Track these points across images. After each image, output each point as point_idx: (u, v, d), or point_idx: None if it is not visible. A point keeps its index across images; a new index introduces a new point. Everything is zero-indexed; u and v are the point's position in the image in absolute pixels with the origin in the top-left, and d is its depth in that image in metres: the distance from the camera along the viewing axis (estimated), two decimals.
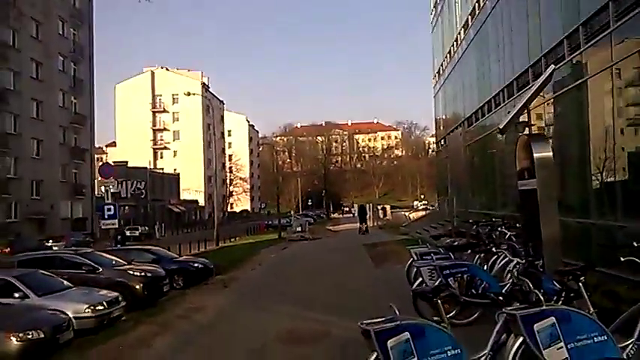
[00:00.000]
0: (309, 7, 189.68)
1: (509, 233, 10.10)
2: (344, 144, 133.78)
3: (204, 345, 8.16)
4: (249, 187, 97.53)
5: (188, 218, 73.00)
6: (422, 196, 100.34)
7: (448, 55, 29.97)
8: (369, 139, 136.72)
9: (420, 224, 36.01)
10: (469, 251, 9.18)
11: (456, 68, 28.03)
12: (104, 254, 14.13)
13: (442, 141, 34.57)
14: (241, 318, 10.08)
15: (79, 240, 33.98)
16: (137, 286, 12.03)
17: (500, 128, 7.76)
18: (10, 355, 7.49)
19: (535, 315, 3.95)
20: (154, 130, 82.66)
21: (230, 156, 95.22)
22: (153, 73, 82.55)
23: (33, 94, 39.69)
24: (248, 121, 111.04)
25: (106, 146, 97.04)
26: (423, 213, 55.00)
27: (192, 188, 75.33)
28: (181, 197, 73.78)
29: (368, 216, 39.62)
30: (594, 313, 4.53)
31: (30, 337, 7.67)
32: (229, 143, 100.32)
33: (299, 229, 35.80)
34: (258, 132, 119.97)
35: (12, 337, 7.56)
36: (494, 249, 8.38)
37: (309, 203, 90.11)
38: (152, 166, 72.30)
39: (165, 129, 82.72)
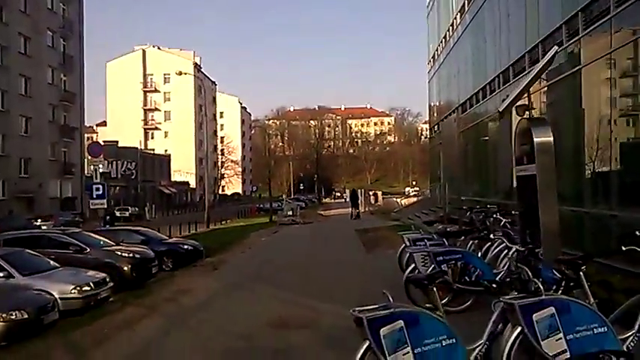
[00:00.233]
0: None
1: (504, 220, 10.00)
2: (337, 129, 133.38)
3: (192, 327, 8.03)
4: (240, 169, 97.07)
5: (179, 200, 72.61)
6: (414, 183, 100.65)
7: (443, 40, 29.68)
8: (362, 125, 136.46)
9: (412, 210, 36.05)
10: (462, 237, 9.11)
11: (451, 53, 27.78)
12: (92, 234, 13.99)
13: (435, 127, 34.41)
14: (230, 301, 10.00)
15: (67, 220, 33.58)
16: (125, 268, 11.91)
17: (500, 111, 7.58)
18: None
19: (534, 305, 3.82)
20: (144, 109, 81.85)
21: (222, 138, 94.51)
22: (144, 52, 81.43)
23: (21, 70, 38.86)
24: (240, 104, 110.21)
25: (97, 125, 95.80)
26: (415, 199, 55.25)
27: (184, 170, 74.78)
28: (172, 179, 73.25)
29: (359, 201, 39.51)
30: (594, 303, 4.41)
31: (13, 317, 7.52)
32: (221, 125, 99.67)
33: (290, 213, 35.61)
34: (250, 115, 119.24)
35: None
36: (490, 235, 8.27)
37: (301, 187, 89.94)
38: (143, 147, 71.68)
39: (156, 109, 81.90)
